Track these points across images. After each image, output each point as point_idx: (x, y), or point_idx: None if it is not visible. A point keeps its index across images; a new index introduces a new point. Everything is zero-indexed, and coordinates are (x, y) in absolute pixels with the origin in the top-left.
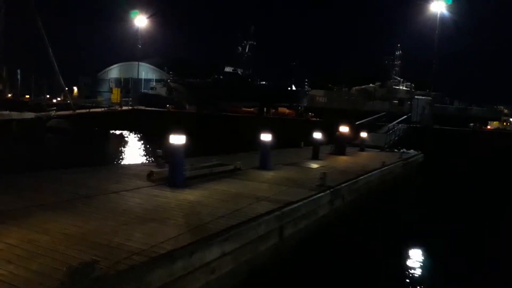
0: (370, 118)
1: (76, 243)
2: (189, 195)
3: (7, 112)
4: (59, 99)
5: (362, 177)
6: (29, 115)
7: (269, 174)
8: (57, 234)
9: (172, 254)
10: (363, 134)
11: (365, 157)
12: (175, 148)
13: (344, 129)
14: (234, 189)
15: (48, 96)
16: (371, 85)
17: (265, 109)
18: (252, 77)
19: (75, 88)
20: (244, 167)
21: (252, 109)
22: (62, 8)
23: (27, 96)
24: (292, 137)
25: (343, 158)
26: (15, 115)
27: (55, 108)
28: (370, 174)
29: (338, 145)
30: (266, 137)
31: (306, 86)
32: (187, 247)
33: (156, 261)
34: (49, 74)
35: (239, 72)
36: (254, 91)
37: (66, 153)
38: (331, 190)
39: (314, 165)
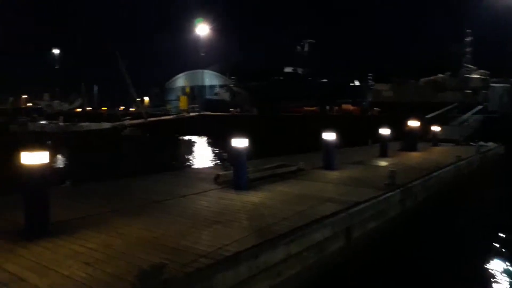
0: (441, 110)
1: (148, 247)
2: (253, 197)
3: (87, 123)
4: (132, 109)
5: (435, 174)
6: (106, 125)
7: (333, 174)
8: (130, 238)
9: (238, 256)
10: (435, 128)
11: (438, 152)
12: (238, 152)
13: (413, 123)
14: (297, 190)
15: (122, 107)
16: (440, 75)
17: (327, 107)
18: (312, 76)
19: (146, 98)
20: (307, 167)
21: (314, 108)
22: (131, 23)
23: (104, 108)
24: (358, 134)
25: (414, 154)
26: (94, 125)
27: (128, 117)
28: (444, 170)
29: (407, 140)
30: (329, 135)
31: (369, 81)
32: (252, 250)
33: (222, 264)
34: (122, 87)
35: (299, 72)
36: (315, 90)
37: (139, 160)
38: (401, 188)
39: (382, 163)
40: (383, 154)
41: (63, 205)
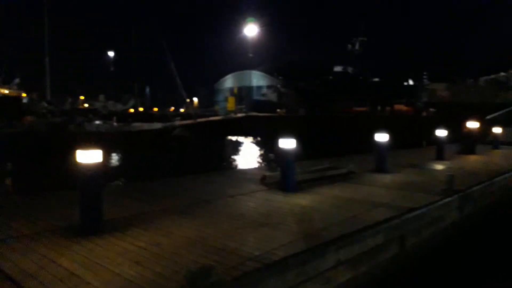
0: (504, 111)
1: (196, 247)
2: (301, 200)
3: (139, 123)
4: (182, 110)
5: (497, 179)
6: (157, 125)
7: (386, 178)
8: (179, 237)
9: (286, 261)
10: (496, 130)
11: (499, 156)
12: (285, 153)
13: (472, 124)
14: (348, 194)
15: (173, 107)
16: (502, 73)
17: (379, 107)
18: (364, 75)
19: (195, 99)
20: (358, 170)
21: (365, 108)
22: (182, 25)
23: (155, 109)
24: (412, 136)
25: (473, 158)
26: (146, 126)
27: (178, 118)
28: (507, 175)
29: (466, 143)
30: (381, 137)
31: (424, 80)
32: (301, 255)
33: (269, 269)
34: (173, 88)
35: (350, 71)
36: (366, 89)
37: (188, 159)
38: (460, 194)
39: (439, 166)
40: (440, 157)
41: (115, 202)
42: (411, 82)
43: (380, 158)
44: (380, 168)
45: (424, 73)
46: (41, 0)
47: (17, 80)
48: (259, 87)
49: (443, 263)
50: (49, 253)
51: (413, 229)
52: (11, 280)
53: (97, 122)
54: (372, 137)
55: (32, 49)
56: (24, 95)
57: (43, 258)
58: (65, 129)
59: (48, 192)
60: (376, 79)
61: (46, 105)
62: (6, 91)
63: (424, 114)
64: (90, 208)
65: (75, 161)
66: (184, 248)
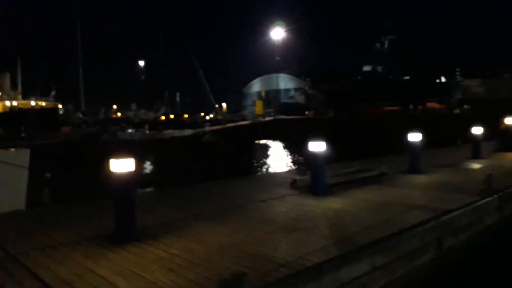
0: None
1: (228, 253)
2: (333, 203)
3: (170, 130)
4: (211, 115)
5: None
6: (188, 132)
7: (420, 178)
8: (211, 244)
9: (319, 267)
10: None
11: None
12: (315, 155)
13: (510, 121)
14: (380, 197)
15: (202, 113)
16: None
17: (411, 106)
18: (393, 74)
19: (224, 104)
20: (391, 171)
21: (395, 108)
22: (209, 31)
23: (185, 116)
24: (446, 135)
25: (511, 155)
26: (176, 133)
27: (208, 124)
28: None
29: (503, 140)
30: (414, 136)
31: (457, 76)
32: (335, 260)
33: (303, 275)
34: (202, 94)
35: (379, 70)
36: (397, 88)
37: (218, 165)
38: (499, 194)
39: (476, 165)
40: (476, 156)
41: (148, 209)
42: (443, 79)
43: (414, 159)
44: (414, 169)
45: (457, 69)
46: (74, 13)
47: (53, 92)
48: (286, 90)
49: (481, 266)
50: (85, 262)
51: (450, 231)
52: None
53: (130, 130)
54: (404, 137)
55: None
56: (60, 106)
57: (79, 266)
58: (99, 138)
59: (84, 201)
60: (407, 77)
61: (80, 115)
62: (44, 103)
63: (458, 111)
64: (124, 217)
65: (109, 170)
66: (216, 254)
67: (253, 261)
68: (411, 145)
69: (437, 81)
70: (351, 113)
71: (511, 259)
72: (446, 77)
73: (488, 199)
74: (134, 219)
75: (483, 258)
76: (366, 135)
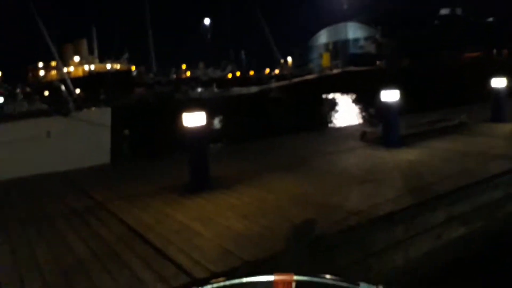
0: None
1: (298, 202)
2: (407, 154)
3: (237, 88)
4: (276, 71)
5: None
6: (254, 89)
7: (504, 127)
8: (282, 193)
9: (393, 216)
10: None
11: None
12: (388, 105)
13: None
14: (460, 146)
15: (268, 69)
16: None
17: (495, 51)
18: (475, 15)
19: (290, 59)
20: (471, 120)
21: (478, 54)
22: None
23: (251, 73)
24: None
25: None
26: (244, 90)
27: (274, 80)
28: None
29: None
30: (498, 81)
31: None
32: (409, 210)
33: (375, 223)
34: (267, 50)
35: (458, 13)
36: (479, 32)
37: (286, 120)
38: None
39: None
40: None
41: (220, 162)
42: None
43: (497, 106)
44: (497, 117)
45: None
46: None
47: (126, 55)
48: (355, 40)
49: None
50: (164, 209)
51: None
52: (134, 231)
53: (199, 89)
54: (487, 84)
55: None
56: (133, 68)
57: (159, 213)
58: (171, 97)
59: (161, 155)
60: (490, 19)
61: (153, 76)
62: (118, 66)
63: None
64: (198, 167)
65: (182, 125)
66: (287, 203)
67: (324, 210)
68: (494, 91)
69: None
70: (428, 61)
71: None
72: None
73: None
74: (207, 170)
75: None
76: (445, 85)
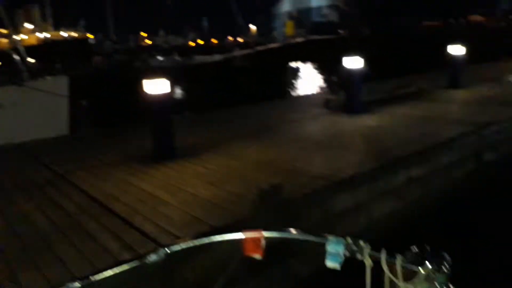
0: None
1: (265, 168)
2: (369, 121)
3: (200, 56)
4: (240, 39)
5: None
6: (218, 57)
7: (461, 93)
8: (248, 160)
9: (356, 179)
10: None
11: None
12: (351, 73)
13: None
14: (419, 112)
15: (231, 37)
16: None
17: (453, 20)
18: None
19: (253, 27)
20: (430, 87)
21: (437, 23)
22: None
23: (214, 41)
24: (490, 49)
25: None
26: (207, 58)
27: (237, 48)
28: None
29: None
30: (455, 49)
31: None
32: (371, 172)
33: (339, 186)
34: (230, 18)
35: None
36: (438, 1)
37: (250, 88)
38: None
39: None
40: None
41: (184, 131)
42: None
43: (454, 73)
44: (454, 84)
45: None
46: None
47: (82, 23)
48: (318, 8)
49: None
50: (128, 178)
51: (491, 144)
52: (97, 202)
53: (160, 57)
54: (445, 52)
55: None
56: (90, 36)
57: (123, 182)
58: (131, 66)
59: (122, 125)
60: None
61: (111, 44)
62: (74, 34)
63: (504, 24)
64: (162, 135)
65: (145, 92)
66: (253, 169)
67: (290, 175)
68: (452, 58)
69: None
70: (389, 30)
71: None
72: None
73: None
74: (172, 138)
75: None
76: (404, 53)
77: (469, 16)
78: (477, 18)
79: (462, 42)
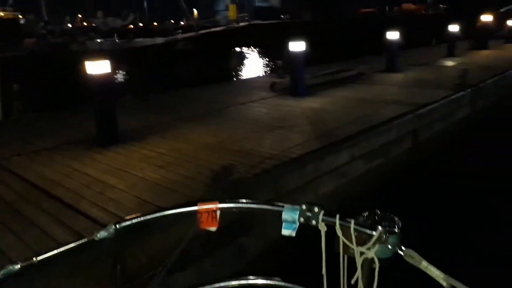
0: None
1: (214, 150)
2: (313, 103)
3: (141, 39)
4: (182, 23)
5: (510, 72)
6: (160, 40)
7: (397, 76)
8: (197, 143)
9: (303, 158)
10: (510, 23)
11: None
12: (295, 56)
13: (486, 18)
14: (359, 94)
15: (173, 21)
16: None
17: (387, 7)
18: None
19: (195, 10)
20: (369, 71)
21: (371, 10)
22: None
23: (155, 23)
24: (421, 35)
25: (484, 53)
26: (148, 41)
27: (180, 31)
28: None
29: (478, 37)
30: (392, 35)
31: None
32: (317, 152)
33: (288, 165)
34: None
35: None
36: None
37: (194, 72)
38: (472, 88)
39: (450, 63)
40: (451, 54)
41: (128, 115)
42: None
43: (391, 57)
44: (391, 68)
45: None
46: None
47: (10, 1)
48: None
49: (454, 156)
50: (71, 163)
51: (426, 123)
52: (38, 188)
53: (99, 40)
54: (382, 38)
55: None
56: (20, 16)
57: (66, 167)
58: (67, 49)
59: (61, 109)
60: None
61: (44, 25)
62: (1, 13)
63: (434, 11)
64: (105, 118)
65: (85, 75)
66: (203, 152)
67: (239, 156)
68: (389, 43)
69: None
70: (328, 15)
71: (482, 150)
72: None
73: (462, 92)
74: (116, 121)
75: (455, 150)
76: (344, 38)
77: (402, 4)
78: (409, 6)
79: (395, 28)
